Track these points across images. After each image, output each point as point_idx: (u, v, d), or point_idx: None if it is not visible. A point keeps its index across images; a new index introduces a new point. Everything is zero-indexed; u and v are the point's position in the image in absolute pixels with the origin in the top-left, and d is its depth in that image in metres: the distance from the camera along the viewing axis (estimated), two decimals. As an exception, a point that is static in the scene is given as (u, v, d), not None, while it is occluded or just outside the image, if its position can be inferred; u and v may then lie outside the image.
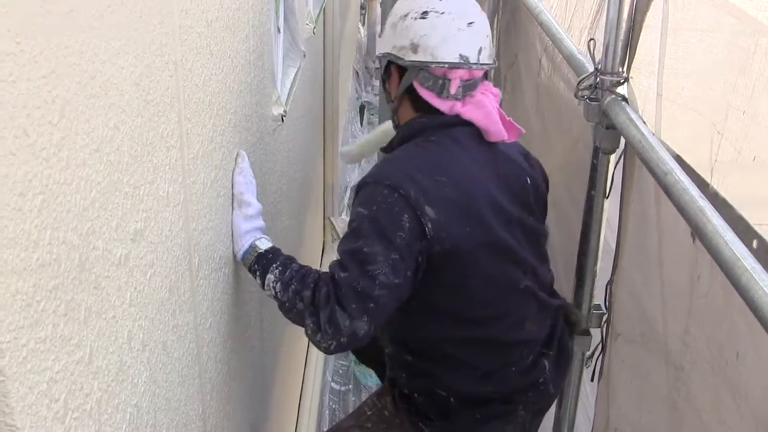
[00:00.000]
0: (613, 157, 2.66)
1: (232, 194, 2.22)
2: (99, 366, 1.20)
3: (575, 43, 3.09)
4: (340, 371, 4.78)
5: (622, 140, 2.53)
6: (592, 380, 2.91)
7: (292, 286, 2.24)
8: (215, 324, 2.02)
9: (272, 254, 2.31)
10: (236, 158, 2.22)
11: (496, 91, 2.53)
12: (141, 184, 1.37)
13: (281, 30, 3.10)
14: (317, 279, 2.25)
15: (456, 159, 2.40)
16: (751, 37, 1.95)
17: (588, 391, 3.14)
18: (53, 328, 1.04)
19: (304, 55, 3.50)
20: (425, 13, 2.41)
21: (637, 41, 2.51)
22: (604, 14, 2.61)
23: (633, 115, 2.40)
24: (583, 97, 2.64)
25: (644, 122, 2.37)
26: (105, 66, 1.17)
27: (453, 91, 2.42)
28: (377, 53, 2.60)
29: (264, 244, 2.31)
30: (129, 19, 1.28)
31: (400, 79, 2.50)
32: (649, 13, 2.46)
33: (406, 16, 2.45)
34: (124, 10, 1.26)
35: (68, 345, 1.08)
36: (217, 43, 1.95)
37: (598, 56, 2.59)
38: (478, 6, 2.54)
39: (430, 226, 2.25)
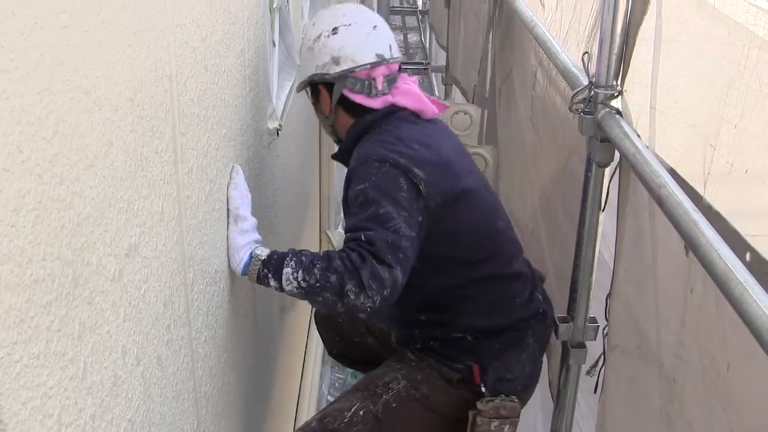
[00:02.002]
0: (608, 170, 2.66)
1: (227, 209, 2.22)
2: (93, 381, 1.20)
3: (570, 57, 3.10)
4: (336, 384, 4.78)
5: (617, 153, 2.53)
6: (595, 392, 2.91)
7: (317, 266, 2.30)
8: (210, 338, 2.02)
9: (277, 254, 2.35)
10: (231, 172, 2.23)
11: (414, 78, 2.86)
12: (135, 199, 1.38)
13: (276, 44, 3.11)
14: (339, 251, 2.35)
15: (414, 130, 2.66)
16: (742, 49, 1.95)
17: (582, 404, 3.14)
18: (47, 344, 1.04)
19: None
20: (335, 29, 2.68)
21: (631, 54, 2.51)
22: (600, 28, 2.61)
23: (627, 129, 2.40)
24: (578, 110, 2.64)
25: (638, 135, 2.37)
26: (99, 81, 1.18)
27: (380, 87, 2.69)
28: (300, 80, 2.85)
29: (264, 251, 2.34)
30: (123, 35, 1.29)
31: (330, 94, 2.73)
32: (642, 26, 2.47)
33: (319, 37, 2.70)
34: (118, 25, 1.26)
35: (62, 360, 1.09)
36: (212, 57, 1.95)
37: (593, 69, 2.60)
38: (375, 13, 2.90)
39: (422, 185, 2.46)
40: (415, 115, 2.72)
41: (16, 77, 0.93)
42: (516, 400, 2.73)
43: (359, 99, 2.68)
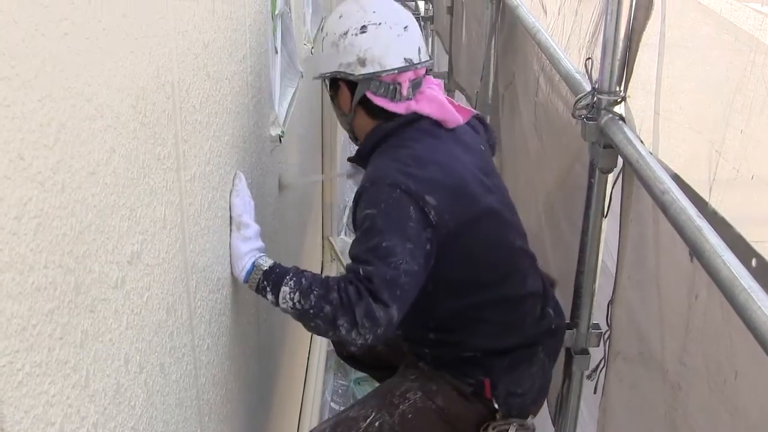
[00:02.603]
0: (611, 177, 2.65)
1: (230, 216, 2.22)
2: (95, 389, 1.20)
3: (573, 63, 3.09)
4: (340, 391, 4.77)
5: (620, 159, 2.53)
6: (595, 392, 2.91)
7: (315, 292, 2.27)
8: (213, 346, 2.02)
9: (279, 269, 2.33)
10: (234, 179, 2.22)
11: (438, 81, 2.72)
12: (137, 207, 1.37)
13: (279, 50, 3.10)
14: (339, 281, 2.30)
15: (433, 147, 2.54)
16: (747, 55, 1.95)
17: (584, 413, 3.13)
18: (49, 352, 1.03)
19: (302, 75, 3.51)
20: (364, 27, 2.54)
21: (634, 60, 2.51)
22: (602, 33, 2.61)
23: (630, 135, 2.39)
24: (581, 116, 2.63)
25: (642, 141, 2.37)
26: (101, 88, 1.18)
27: (405, 93, 2.57)
28: (320, 72, 2.71)
29: (267, 262, 2.33)
30: (125, 42, 1.29)
31: (351, 93, 2.62)
32: (645, 32, 2.46)
33: (346, 33, 2.56)
34: (119, 32, 1.26)
35: (64, 368, 1.08)
36: (214, 64, 1.95)
37: (596, 75, 2.59)
38: (407, 11, 2.71)
39: (433, 213, 2.36)
40: (436, 124, 2.61)
41: (17, 84, 0.92)
42: (527, 423, 2.72)
43: (382, 102, 2.57)
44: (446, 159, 2.53)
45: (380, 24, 2.54)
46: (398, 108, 2.57)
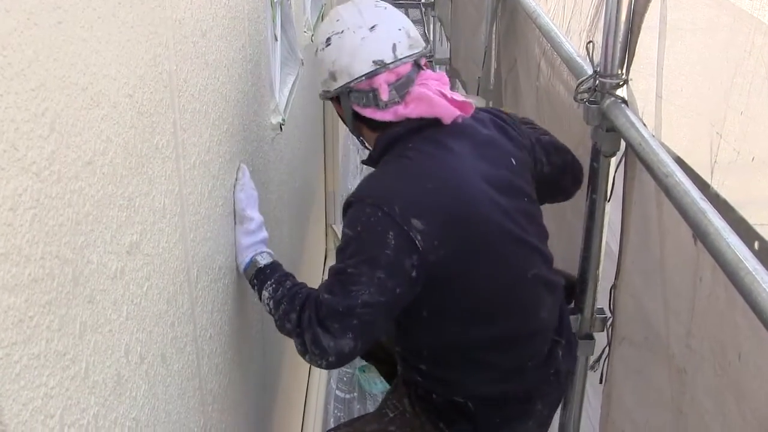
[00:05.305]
0: (613, 160, 2.64)
1: (234, 210, 2.22)
2: (95, 380, 1.19)
3: (574, 46, 3.08)
4: (345, 379, 4.77)
5: (623, 143, 2.52)
6: (600, 382, 2.90)
7: (282, 306, 2.26)
8: (215, 335, 2.01)
9: (270, 270, 2.33)
10: (237, 173, 2.22)
11: (438, 74, 2.48)
12: (136, 196, 1.36)
13: (278, 38, 3.09)
14: (304, 301, 2.23)
15: (440, 162, 2.34)
16: (747, 36, 1.94)
17: (590, 395, 3.13)
18: (47, 344, 1.03)
19: (302, 63, 3.50)
20: (328, 40, 2.40)
21: (636, 43, 2.50)
22: (603, 16, 2.60)
23: (633, 118, 2.38)
24: (583, 100, 2.62)
25: (644, 124, 2.36)
26: (96, 78, 1.17)
27: (385, 97, 2.35)
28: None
29: (264, 259, 2.33)
30: (120, 30, 1.28)
31: (343, 109, 2.48)
32: (647, 14, 2.45)
33: (317, 51, 2.46)
34: (115, 21, 1.25)
35: (63, 360, 1.07)
36: (213, 52, 1.94)
37: (597, 59, 2.58)
38: (379, 6, 2.48)
39: (419, 238, 2.18)
40: (441, 129, 2.37)
41: (10, 74, 0.92)
42: None
43: (369, 113, 2.38)
44: (453, 177, 2.33)
45: (342, 32, 2.38)
46: (386, 115, 2.37)
